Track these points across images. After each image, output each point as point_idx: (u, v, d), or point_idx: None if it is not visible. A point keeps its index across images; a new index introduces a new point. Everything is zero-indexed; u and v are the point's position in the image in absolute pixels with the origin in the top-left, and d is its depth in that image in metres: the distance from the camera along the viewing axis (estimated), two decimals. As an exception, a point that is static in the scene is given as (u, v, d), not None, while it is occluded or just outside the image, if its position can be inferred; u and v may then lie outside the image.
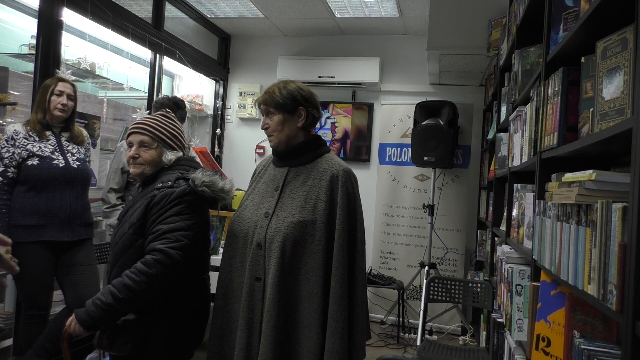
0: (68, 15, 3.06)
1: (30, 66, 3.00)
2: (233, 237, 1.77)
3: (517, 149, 2.20)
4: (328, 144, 4.91)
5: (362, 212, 1.81)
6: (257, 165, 1.98)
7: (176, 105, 3.09)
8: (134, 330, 1.62)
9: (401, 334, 4.09)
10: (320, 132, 4.96)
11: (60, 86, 2.53)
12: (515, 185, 2.17)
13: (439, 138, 4.02)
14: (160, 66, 4.05)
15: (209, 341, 1.74)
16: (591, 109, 1.26)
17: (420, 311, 3.54)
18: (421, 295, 3.85)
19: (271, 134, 1.77)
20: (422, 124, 4.11)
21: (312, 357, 1.60)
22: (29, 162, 2.42)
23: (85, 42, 3.41)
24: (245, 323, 1.64)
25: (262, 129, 1.81)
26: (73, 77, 2.82)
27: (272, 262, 1.64)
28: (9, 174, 2.40)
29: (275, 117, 1.75)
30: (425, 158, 4.06)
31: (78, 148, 2.63)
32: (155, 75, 4.01)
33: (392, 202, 4.58)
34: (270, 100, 1.76)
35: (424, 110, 4.17)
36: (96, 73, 3.50)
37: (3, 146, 2.41)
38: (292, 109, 1.76)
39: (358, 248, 1.74)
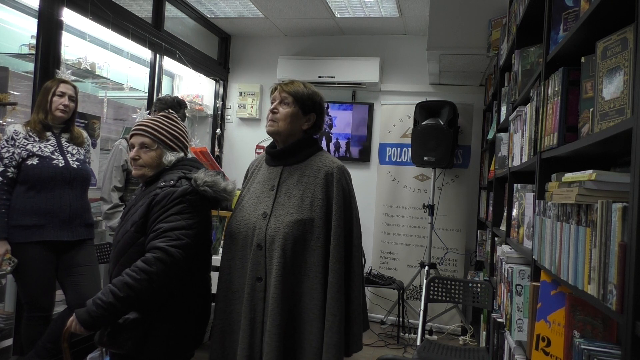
0: (68, 15, 3.06)
1: (30, 66, 3.00)
2: (232, 239, 1.77)
3: (517, 149, 2.20)
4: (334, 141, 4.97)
5: (357, 207, 1.82)
6: (249, 165, 1.98)
7: (179, 104, 3.11)
8: (135, 328, 1.63)
9: (401, 334, 4.10)
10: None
11: (62, 87, 2.54)
12: (515, 185, 2.17)
13: (439, 138, 4.02)
14: (160, 66, 4.05)
15: (211, 344, 1.75)
16: (591, 109, 1.26)
17: (420, 311, 3.54)
18: (421, 295, 3.85)
19: (275, 120, 1.75)
20: (422, 124, 4.11)
21: (315, 351, 1.62)
22: (29, 162, 2.42)
23: (85, 42, 3.41)
24: (247, 323, 1.66)
25: (270, 110, 1.78)
26: (73, 77, 2.82)
27: (274, 261, 1.65)
28: (8, 173, 2.40)
29: (288, 108, 1.75)
30: (425, 158, 4.07)
31: (78, 149, 2.64)
32: (155, 75, 4.01)
33: (392, 202, 4.58)
34: (294, 91, 1.76)
35: (424, 110, 4.17)
36: (96, 73, 3.50)
37: (3, 146, 2.41)
38: (307, 110, 1.77)
39: (354, 242, 1.76)
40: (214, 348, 1.73)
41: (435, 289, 2.97)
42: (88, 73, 3.45)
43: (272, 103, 1.80)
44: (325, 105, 4.92)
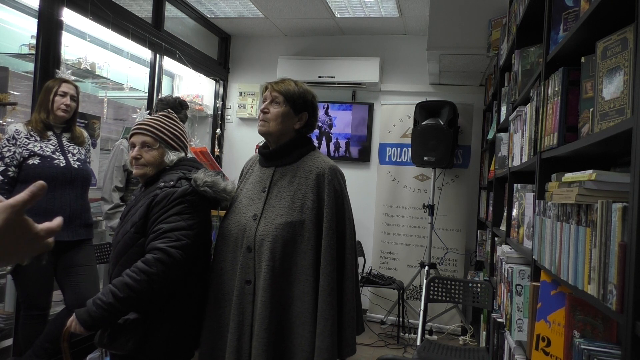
0: (68, 15, 3.06)
1: (30, 66, 3.00)
2: (223, 241, 1.76)
3: (517, 149, 2.20)
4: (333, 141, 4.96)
5: (351, 208, 1.79)
6: (243, 165, 1.96)
7: (180, 105, 3.11)
8: (135, 329, 1.63)
9: (401, 334, 4.10)
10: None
11: (64, 87, 2.54)
12: (515, 185, 2.17)
13: (439, 138, 4.02)
14: (160, 66, 4.05)
15: (201, 346, 1.73)
16: (591, 109, 1.26)
17: (420, 311, 3.53)
18: (421, 295, 3.85)
19: (267, 120, 1.73)
20: (422, 124, 4.11)
21: (306, 355, 1.60)
22: (30, 162, 2.42)
23: (85, 42, 3.41)
24: (235, 326, 1.64)
25: (260, 110, 1.76)
26: (73, 77, 2.82)
27: (263, 264, 1.63)
28: (9, 173, 2.40)
29: (279, 108, 1.73)
30: (425, 158, 4.07)
31: (79, 149, 2.64)
32: (155, 75, 4.01)
33: (392, 202, 4.58)
34: (285, 90, 1.74)
35: (424, 110, 4.17)
36: (96, 73, 3.50)
37: (4, 145, 2.41)
38: (298, 109, 1.75)
39: (347, 244, 1.73)
40: (203, 350, 1.72)
41: (435, 289, 2.97)
42: (88, 73, 3.45)
43: (263, 102, 1.78)
44: (325, 106, 4.93)
